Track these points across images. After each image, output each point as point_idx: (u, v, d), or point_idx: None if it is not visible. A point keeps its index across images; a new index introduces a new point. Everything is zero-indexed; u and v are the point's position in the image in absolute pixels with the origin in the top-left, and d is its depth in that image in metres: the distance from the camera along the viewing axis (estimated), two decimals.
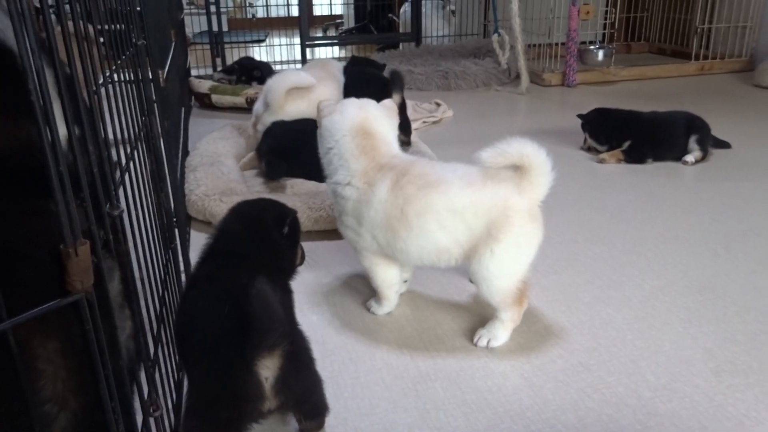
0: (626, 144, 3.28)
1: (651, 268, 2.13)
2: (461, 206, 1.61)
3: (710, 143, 3.27)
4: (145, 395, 1.00)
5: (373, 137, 1.72)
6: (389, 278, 1.82)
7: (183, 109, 3.49)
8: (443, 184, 1.64)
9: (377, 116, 1.76)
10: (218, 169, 2.68)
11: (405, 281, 1.98)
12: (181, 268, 1.85)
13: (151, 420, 1.03)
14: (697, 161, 3.23)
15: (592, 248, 2.30)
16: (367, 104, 1.79)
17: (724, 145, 3.35)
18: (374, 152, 1.71)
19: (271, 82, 3.07)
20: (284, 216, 1.47)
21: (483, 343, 1.71)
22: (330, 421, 1.41)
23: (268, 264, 1.38)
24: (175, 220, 1.83)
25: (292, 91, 3.02)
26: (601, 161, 3.29)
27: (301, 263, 1.56)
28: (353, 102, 1.79)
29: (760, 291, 1.98)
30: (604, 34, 5.86)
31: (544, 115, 4.22)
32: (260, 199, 1.61)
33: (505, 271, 1.64)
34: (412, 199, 1.63)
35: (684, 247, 2.29)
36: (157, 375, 1.16)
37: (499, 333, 1.72)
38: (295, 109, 3.02)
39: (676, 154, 3.25)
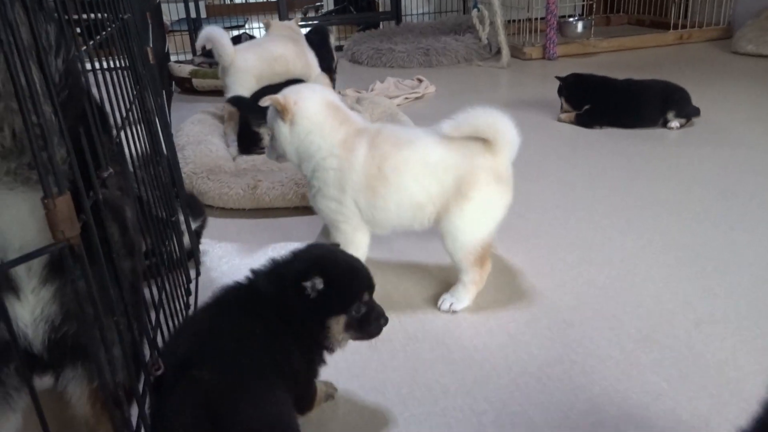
0: (584, 108, 3.37)
1: (632, 230, 2.17)
2: (433, 161, 1.69)
3: (690, 111, 3.32)
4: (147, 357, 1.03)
5: (341, 109, 1.79)
6: (362, 250, 1.84)
7: (164, 94, 3.47)
8: (416, 141, 1.73)
9: (332, 93, 1.86)
10: (206, 147, 2.68)
11: None
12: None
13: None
14: (682, 126, 3.28)
15: (574, 213, 2.33)
16: (316, 86, 1.89)
17: (694, 112, 3.39)
18: (349, 121, 1.78)
19: (216, 42, 3.20)
20: (308, 272, 1.13)
21: (446, 306, 1.76)
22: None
23: (286, 326, 1.13)
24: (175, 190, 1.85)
25: (241, 50, 3.24)
26: (559, 120, 3.44)
27: (368, 336, 1.22)
28: (306, 86, 1.88)
29: (738, 247, 2.03)
30: (583, 7, 5.87)
31: (525, 88, 4.24)
32: (325, 246, 1.31)
33: (470, 228, 1.70)
34: (388, 155, 1.70)
35: (664, 209, 2.33)
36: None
37: (462, 296, 1.77)
38: (243, 64, 3.18)
39: (648, 123, 3.30)
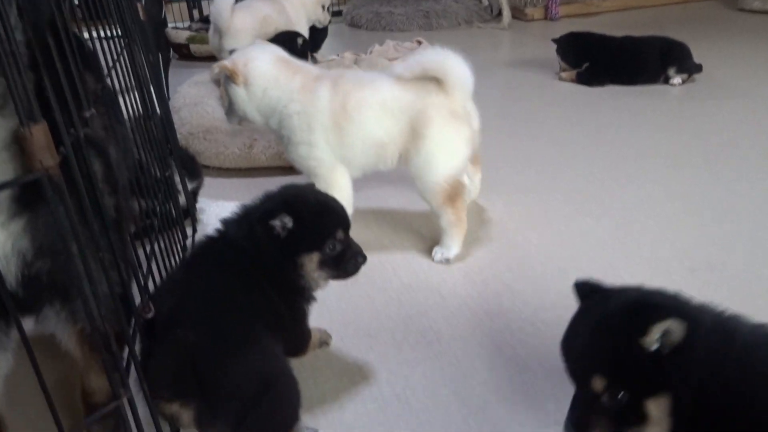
0: (584, 66, 3.33)
1: (631, 182, 2.16)
2: (390, 101, 1.73)
3: (691, 67, 3.27)
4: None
5: (292, 61, 1.85)
6: (345, 192, 1.83)
7: (160, 57, 3.44)
8: (375, 82, 1.78)
9: (279, 49, 1.88)
10: (202, 108, 2.67)
11: None
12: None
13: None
14: (684, 82, 3.24)
15: (573, 167, 2.31)
16: (264, 45, 1.93)
17: (696, 68, 3.34)
18: (303, 69, 1.83)
19: (214, 7, 3.18)
20: (274, 210, 1.11)
21: (438, 257, 1.76)
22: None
23: (261, 269, 1.12)
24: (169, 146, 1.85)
25: (236, 11, 3.18)
26: (560, 78, 3.39)
27: (345, 275, 1.21)
28: (253, 46, 1.90)
29: (737, 197, 2.01)
30: None
31: (526, 49, 4.18)
32: (298, 185, 1.26)
33: (431, 166, 1.72)
34: (350, 93, 1.75)
35: (664, 161, 2.31)
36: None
37: (448, 243, 1.78)
38: (241, 25, 3.14)
39: (648, 79, 3.26)
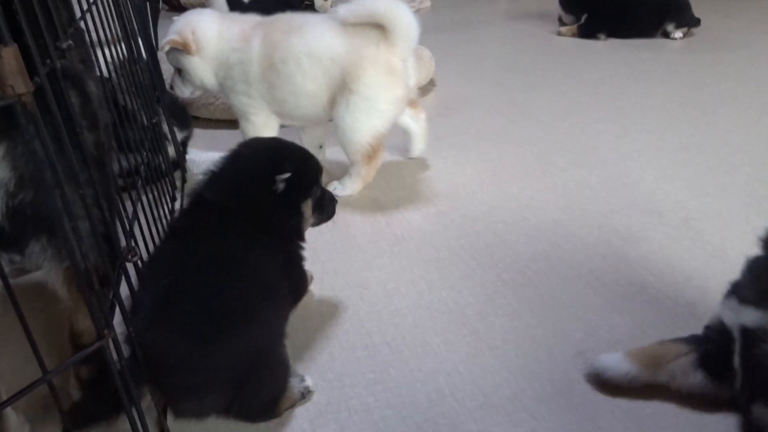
0: (584, 17, 3.27)
1: (626, 134, 2.13)
2: (318, 52, 1.66)
3: (690, 21, 3.21)
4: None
5: (230, 15, 1.86)
6: None
7: (149, 7, 3.35)
8: (305, 29, 1.69)
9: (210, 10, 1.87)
10: None
11: (321, 146, 2.01)
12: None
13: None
14: (684, 36, 3.19)
15: (568, 119, 2.28)
16: (201, 9, 1.87)
17: (695, 22, 3.28)
18: (242, 20, 1.79)
19: None
20: (279, 166, 1.09)
21: (331, 188, 1.77)
22: None
23: (258, 225, 1.09)
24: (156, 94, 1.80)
25: None
26: (559, 33, 3.34)
27: (326, 218, 1.24)
28: (191, 13, 1.83)
29: (733, 148, 1.99)
30: None
31: (526, 1, 4.10)
32: (270, 140, 1.24)
33: (357, 123, 1.68)
34: (276, 45, 1.69)
35: (660, 113, 2.28)
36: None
37: (348, 184, 1.81)
38: None
39: (646, 33, 3.20)
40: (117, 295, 0.94)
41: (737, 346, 0.98)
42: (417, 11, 3.99)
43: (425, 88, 2.62)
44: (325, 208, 1.22)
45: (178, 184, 1.89)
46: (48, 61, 0.82)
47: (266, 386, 1.06)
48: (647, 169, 1.89)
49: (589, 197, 1.76)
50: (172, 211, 1.69)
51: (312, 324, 1.32)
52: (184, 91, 1.90)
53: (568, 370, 1.17)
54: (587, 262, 1.49)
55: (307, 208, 1.17)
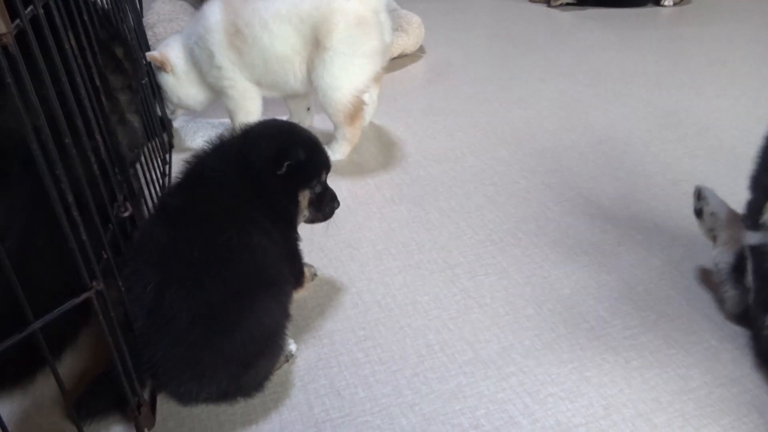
0: None
1: (615, 99, 2.13)
2: (286, 11, 1.62)
3: None
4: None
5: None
6: (253, 116, 1.80)
7: None
8: None
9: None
10: (177, 24, 2.56)
11: (308, 108, 2.00)
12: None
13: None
14: (675, 4, 3.18)
15: (557, 85, 2.27)
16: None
17: None
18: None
19: None
20: (288, 150, 1.06)
21: None
22: None
23: (258, 205, 1.05)
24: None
25: None
26: (549, 5, 3.30)
27: (322, 217, 1.19)
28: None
29: (721, 112, 1.99)
30: None
31: None
32: (285, 123, 1.20)
33: (336, 81, 1.65)
34: (239, 11, 1.65)
35: (650, 79, 2.28)
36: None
37: (336, 149, 1.79)
38: None
39: (637, 2, 3.19)
40: (105, 247, 0.93)
41: (749, 264, 1.10)
42: None
43: (415, 55, 2.60)
44: (323, 206, 1.17)
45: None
46: (31, 7, 0.80)
47: (265, 369, 1.05)
48: (636, 132, 1.90)
49: (578, 160, 1.76)
50: (164, 174, 1.68)
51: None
52: (169, 113, 1.92)
53: (556, 326, 1.18)
54: (576, 222, 1.49)
55: (304, 198, 1.13)
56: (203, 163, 1.07)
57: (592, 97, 2.15)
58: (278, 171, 1.04)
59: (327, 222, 1.20)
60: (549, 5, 3.31)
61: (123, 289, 0.93)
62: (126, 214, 1.03)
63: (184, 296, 0.93)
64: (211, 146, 1.09)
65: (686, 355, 1.11)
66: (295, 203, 1.12)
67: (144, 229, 1.05)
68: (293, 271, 1.14)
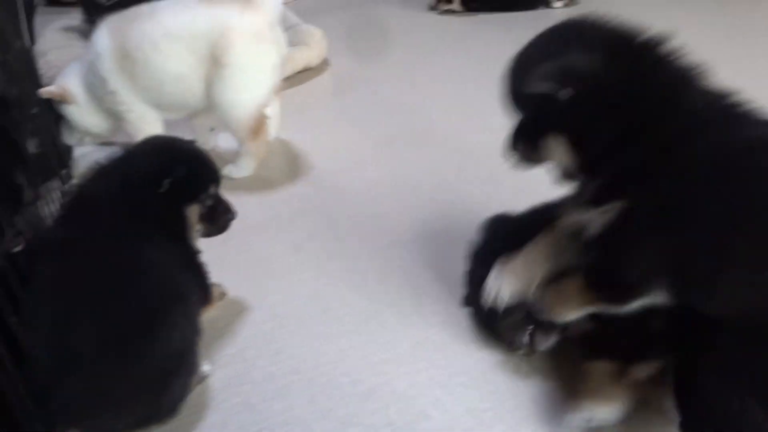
0: None
1: None
2: (177, 30, 1.60)
3: None
4: None
5: None
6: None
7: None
8: (155, 12, 1.63)
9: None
10: (71, 51, 2.48)
11: (212, 129, 1.97)
12: None
13: None
14: (566, 6, 3.34)
15: (459, 89, 2.36)
16: None
17: None
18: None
19: None
20: (163, 170, 1.05)
21: (226, 172, 1.75)
22: None
23: (148, 225, 1.04)
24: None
25: None
26: (430, 8, 3.40)
27: (217, 230, 1.18)
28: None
29: None
30: None
31: None
32: (167, 139, 1.21)
33: (238, 97, 1.65)
34: (126, 34, 1.62)
35: None
36: None
37: (242, 165, 1.78)
38: None
39: (529, 5, 3.34)
40: None
41: None
42: None
43: (319, 68, 2.62)
44: (217, 219, 1.17)
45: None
46: None
47: (181, 389, 1.03)
48: None
49: (480, 158, 1.83)
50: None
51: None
52: (70, 140, 1.85)
53: (461, 319, 1.23)
54: (477, 220, 1.55)
55: (193, 213, 1.12)
56: (85, 190, 1.06)
57: (492, 99, 2.23)
58: (159, 189, 1.04)
59: (241, 242, 1.19)
60: (437, 11, 3.39)
61: (22, 330, 0.91)
62: (17, 249, 1.00)
63: (87, 327, 0.91)
64: (92, 172, 1.09)
65: None
66: (183, 218, 1.11)
67: (36, 267, 1.00)
68: (198, 285, 1.13)
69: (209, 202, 1.14)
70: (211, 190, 1.14)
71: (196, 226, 1.15)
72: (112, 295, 0.93)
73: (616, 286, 0.92)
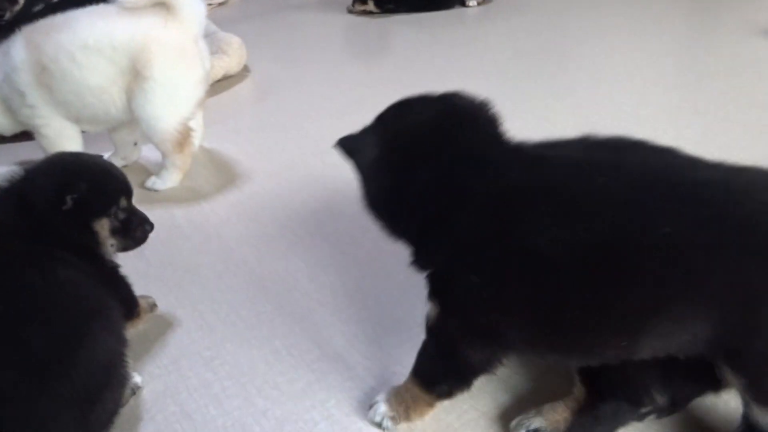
0: None
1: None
2: (94, 41, 1.56)
3: None
4: None
5: None
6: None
7: None
8: (70, 22, 1.59)
9: None
10: None
11: (135, 143, 1.92)
12: None
13: None
14: (479, 4, 3.45)
15: (381, 89, 2.40)
16: None
17: None
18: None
19: None
20: (65, 187, 1.04)
21: (149, 184, 1.74)
22: None
23: (51, 244, 1.01)
24: None
25: None
26: (349, 11, 3.47)
27: (133, 243, 1.16)
28: None
29: (526, 96, 2.20)
30: None
31: None
32: (70, 155, 1.19)
33: (160, 111, 1.63)
34: (42, 47, 1.58)
35: (463, 74, 2.47)
36: None
37: (166, 177, 1.75)
38: None
39: (444, 5, 3.43)
40: None
41: None
42: (226, 2, 3.94)
43: (240, 75, 2.61)
44: (132, 232, 1.15)
45: None
46: None
47: (113, 402, 1.00)
48: None
49: None
50: None
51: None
52: None
53: (394, 311, 1.25)
54: None
55: (103, 228, 1.10)
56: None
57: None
58: (63, 206, 1.02)
59: (168, 253, 1.17)
60: (354, 13, 3.44)
61: None
62: None
63: (2, 354, 0.88)
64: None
65: None
66: (94, 234, 1.09)
67: None
68: (120, 299, 1.11)
69: (121, 216, 1.12)
70: (122, 203, 1.12)
71: (110, 241, 1.12)
72: (23, 321, 0.90)
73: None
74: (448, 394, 0.95)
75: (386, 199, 0.97)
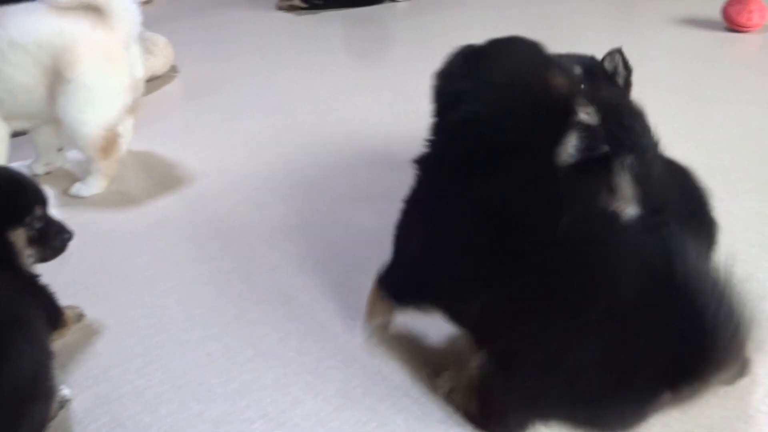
0: None
1: (364, 89, 2.29)
2: (20, 38, 1.52)
3: None
4: None
5: None
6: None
7: None
8: (3, 17, 1.54)
9: None
10: None
11: (60, 149, 1.87)
12: None
13: None
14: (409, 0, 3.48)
15: (311, 84, 2.40)
16: None
17: None
18: None
19: None
20: None
21: (74, 191, 1.71)
22: None
23: None
24: None
25: None
26: (278, 8, 3.44)
27: (52, 253, 1.14)
28: None
29: None
30: None
31: None
32: None
33: (83, 115, 1.59)
34: None
35: (397, 66, 2.49)
36: None
37: (91, 183, 1.71)
38: None
39: (374, 1, 3.46)
40: None
41: None
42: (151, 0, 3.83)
43: (167, 76, 2.56)
44: (50, 241, 1.12)
45: None
46: None
47: (40, 416, 0.97)
48: (386, 118, 2.07)
49: (335, 150, 1.88)
50: None
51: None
52: None
53: (327, 306, 1.27)
54: (340, 211, 1.60)
55: (18, 239, 1.07)
56: None
57: (343, 91, 2.30)
58: None
59: (95, 261, 1.15)
60: (282, 9, 3.42)
61: None
62: None
63: None
64: None
65: None
66: (9, 245, 1.06)
67: None
68: (43, 308, 1.08)
69: (38, 225, 1.09)
70: (37, 212, 1.09)
71: (27, 251, 1.09)
72: None
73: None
74: None
75: None
